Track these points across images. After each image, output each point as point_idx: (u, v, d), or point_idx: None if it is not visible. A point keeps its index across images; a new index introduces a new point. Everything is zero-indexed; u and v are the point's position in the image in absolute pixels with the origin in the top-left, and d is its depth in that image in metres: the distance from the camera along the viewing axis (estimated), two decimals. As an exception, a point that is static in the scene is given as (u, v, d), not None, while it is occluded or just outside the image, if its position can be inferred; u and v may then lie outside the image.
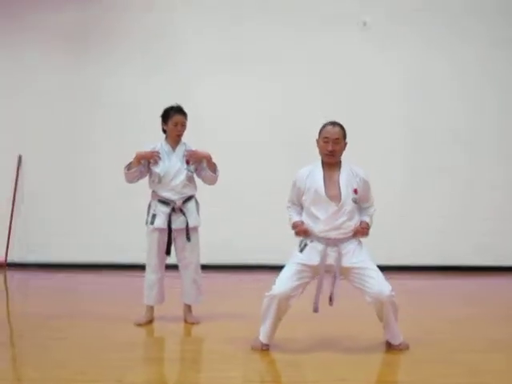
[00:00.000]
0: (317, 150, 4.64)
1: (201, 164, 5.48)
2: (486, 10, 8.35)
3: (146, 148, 5.44)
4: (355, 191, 4.52)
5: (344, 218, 4.47)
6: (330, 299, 4.52)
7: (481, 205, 8.30)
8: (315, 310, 4.55)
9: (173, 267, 5.60)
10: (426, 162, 8.34)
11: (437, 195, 8.32)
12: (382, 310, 4.42)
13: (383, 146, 8.24)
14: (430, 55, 8.39)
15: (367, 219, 4.64)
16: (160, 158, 5.37)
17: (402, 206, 8.26)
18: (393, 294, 4.40)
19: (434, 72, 8.39)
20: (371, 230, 4.65)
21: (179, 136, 5.47)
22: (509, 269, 8.22)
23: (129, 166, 5.37)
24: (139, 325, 5.37)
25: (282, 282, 4.46)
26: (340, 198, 4.47)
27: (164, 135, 5.52)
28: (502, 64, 8.37)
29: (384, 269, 4.58)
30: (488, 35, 8.32)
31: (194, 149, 5.45)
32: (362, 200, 4.60)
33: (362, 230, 4.56)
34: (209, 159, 5.45)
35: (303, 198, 4.56)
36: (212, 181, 5.55)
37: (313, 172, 4.57)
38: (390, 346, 4.63)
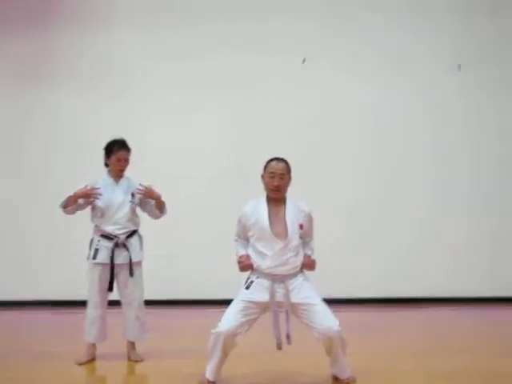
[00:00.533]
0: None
1: (147, 199, 5.42)
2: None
3: (87, 184, 5.32)
4: (301, 226, 4.54)
5: (290, 254, 4.47)
6: (288, 337, 4.47)
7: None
8: (279, 346, 4.50)
9: (115, 303, 5.48)
10: (368, 196, 8.42)
11: (383, 228, 8.41)
12: (331, 345, 4.41)
13: (338, 179, 8.28)
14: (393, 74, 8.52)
15: (309, 252, 4.66)
16: (101, 194, 5.26)
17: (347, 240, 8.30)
18: (340, 329, 4.39)
19: (399, 91, 8.50)
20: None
21: (122, 171, 5.41)
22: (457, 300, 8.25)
23: (65, 204, 5.25)
24: (80, 364, 5.21)
25: (228, 320, 4.41)
26: (286, 235, 4.47)
27: (106, 168, 5.45)
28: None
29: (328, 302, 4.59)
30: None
31: (146, 184, 5.33)
32: (305, 235, 4.62)
33: (310, 264, 4.58)
34: (159, 199, 5.39)
35: (249, 233, 4.55)
36: (157, 217, 5.50)
37: (257, 208, 4.56)
38: (337, 380, 4.62)
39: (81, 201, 5.29)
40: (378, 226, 8.37)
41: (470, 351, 5.55)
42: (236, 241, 4.71)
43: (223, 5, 8.47)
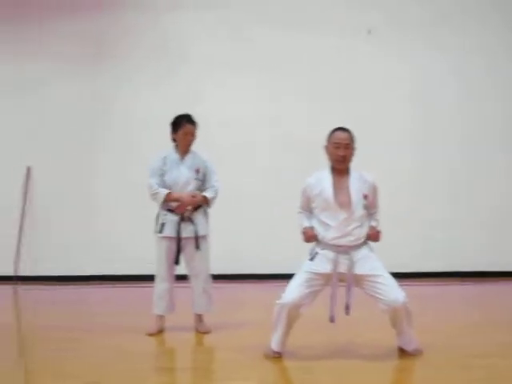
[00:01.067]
0: (322, 157, 4.64)
1: (208, 176, 5.50)
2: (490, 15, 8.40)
3: (157, 157, 5.45)
4: (365, 197, 4.50)
5: (354, 225, 4.45)
6: (347, 308, 4.48)
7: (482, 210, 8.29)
8: (331, 319, 4.51)
9: (183, 277, 5.61)
10: (432, 165, 8.35)
11: (439, 201, 8.30)
12: (397, 317, 4.39)
13: (386, 153, 8.19)
14: (433, 60, 8.42)
15: (375, 224, 4.62)
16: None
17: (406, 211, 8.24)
18: (407, 300, 4.37)
19: (436, 78, 8.42)
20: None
21: (189, 146, 5.47)
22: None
23: (162, 201, 5.38)
24: (150, 335, 5.35)
25: (292, 291, 4.43)
26: (350, 205, 4.44)
27: (173, 143, 5.51)
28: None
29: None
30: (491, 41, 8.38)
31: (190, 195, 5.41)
32: (369, 206, 4.57)
33: (376, 235, 4.55)
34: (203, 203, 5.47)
35: (313, 205, 4.55)
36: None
37: (321, 179, 4.54)
38: (403, 351, 4.60)
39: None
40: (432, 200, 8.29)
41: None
42: (300, 213, 4.70)
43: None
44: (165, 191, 5.35)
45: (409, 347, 4.56)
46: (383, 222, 4.70)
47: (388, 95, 8.38)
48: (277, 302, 4.48)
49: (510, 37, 8.41)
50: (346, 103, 8.19)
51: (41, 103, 8.59)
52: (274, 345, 4.55)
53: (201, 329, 5.46)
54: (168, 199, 5.37)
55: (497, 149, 8.36)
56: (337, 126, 4.62)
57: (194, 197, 5.38)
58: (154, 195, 5.39)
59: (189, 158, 5.47)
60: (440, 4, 8.43)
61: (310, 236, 4.53)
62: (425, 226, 8.26)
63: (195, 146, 5.53)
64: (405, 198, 8.20)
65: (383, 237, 4.62)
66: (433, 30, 8.42)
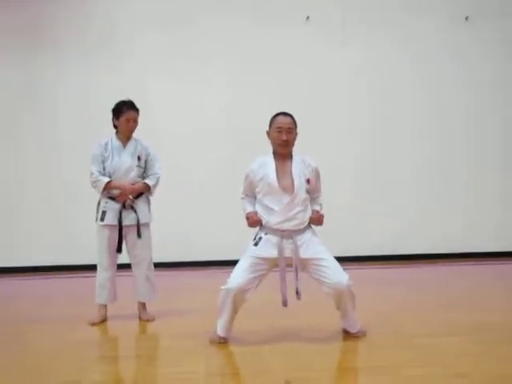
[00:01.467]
0: (266, 146, 4.65)
1: (150, 163, 5.45)
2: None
3: (98, 144, 5.37)
4: (308, 181, 4.53)
5: (298, 209, 4.47)
6: (297, 293, 4.49)
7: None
8: (284, 303, 4.52)
9: (124, 266, 5.54)
10: (383, 153, 8.52)
11: (388, 187, 8.50)
12: (341, 299, 4.44)
13: (332, 139, 8.30)
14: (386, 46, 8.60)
15: (318, 208, 4.66)
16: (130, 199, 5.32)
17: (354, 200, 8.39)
18: (351, 283, 4.42)
19: (396, 67, 8.62)
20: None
21: (131, 132, 5.40)
22: (460, 255, 8.44)
23: (101, 189, 5.30)
24: (93, 324, 5.28)
25: (237, 275, 4.43)
26: (293, 189, 4.47)
27: (114, 130, 5.44)
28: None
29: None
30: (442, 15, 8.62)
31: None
32: (312, 190, 4.61)
33: (319, 219, 4.58)
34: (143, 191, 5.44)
35: (256, 190, 4.55)
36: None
37: (264, 164, 4.55)
38: (347, 333, 4.67)
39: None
40: (385, 185, 8.44)
41: (465, 306, 5.63)
42: (243, 198, 4.70)
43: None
44: (105, 179, 5.27)
45: (353, 329, 4.63)
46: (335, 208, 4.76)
47: (338, 87, 8.52)
48: (222, 287, 4.48)
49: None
50: (295, 92, 8.27)
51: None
52: (220, 330, 4.55)
53: (144, 317, 5.42)
54: (109, 187, 5.29)
55: (461, 138, 8.65)
56: (279, 111, 4.64)
57: (133, 185, 5.32)
58: (95, 183, 5.31)
59: (131, 144, 5.41)
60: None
61: (254, 221, 4.54)
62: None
63: (140, 135, 5.47)
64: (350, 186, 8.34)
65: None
66: (395, 16, 8.59)
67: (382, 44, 8.56)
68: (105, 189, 5.29)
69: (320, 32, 8.46)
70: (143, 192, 5.43)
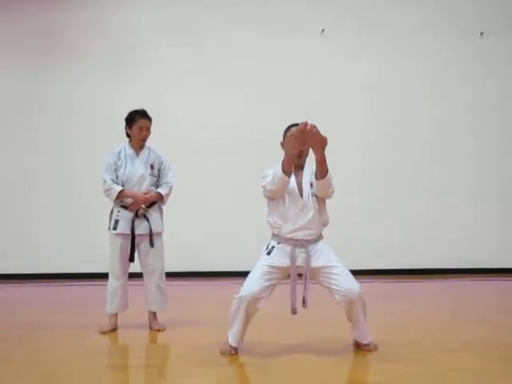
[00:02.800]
0: (281, 153, 4.64)
1: (163, 172, 5.46)
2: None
3: (111, 152, 5.40)
4: (311, 185, 4.51)
5: (310, 216, 4.44)
6: (304, 301, 4.47)
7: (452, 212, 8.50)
8: (293, 311, 4.50)
9: (135, 275, 5.54)
10: (393, 168, 8.49)
11: (402, 202, 8.46)
12: (352, 307, 4.40)
13: (345, 152, 8.26)
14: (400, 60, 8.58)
15: None
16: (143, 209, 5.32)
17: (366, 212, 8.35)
18: (362, 291, 4.40)
19: (405, 77, 8.59)
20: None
21: (144, 140, 5.42)
22: (478, 271, 8.35)
23: (115, 197, 5.30)
24: (103, 333, 5.26)
25: (251, 284, 4.42)
26: (303, 196, 4.47)
27: (128, 139, 5.46)
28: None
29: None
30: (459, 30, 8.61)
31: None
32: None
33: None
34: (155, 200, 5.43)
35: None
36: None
37: None
38: (358, 346, 4.63)
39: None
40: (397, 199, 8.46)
41: (484, 324, 5.54)
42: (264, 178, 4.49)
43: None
44: (118, 188, 5.28)
45: (364, 340, 4.58)
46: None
47: (350, 97, 8.51)
48: (235, 295, 4.46)
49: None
50: (306, 103, 8.20)
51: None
52: (231, 340, 4.52)
53: (155, 326, 5.40)
54: (121, 196, 5.29)
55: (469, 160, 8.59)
56: (292, 123, 4.63)
57: (146, 194, 5.32)
58: (108, 191, 5.32)
59: (144, 153, 5.42)
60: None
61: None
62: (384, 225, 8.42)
63: (154, 144, 5.49)
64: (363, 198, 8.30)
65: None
66: (409, 31, 8.59)
67: (396, 58, 8.54)
68: (117, 197, 5.30)
69: (335, 45, 8.46)
70: (156, 201, 5.43)
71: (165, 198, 5.45)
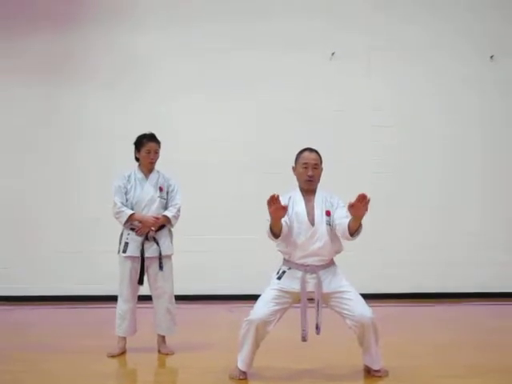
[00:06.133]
0: (292, 177, 4.65)
1: (171, 194, 5.46)
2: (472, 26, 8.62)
3: (120, 175, 5.42)
4: (327, 213, 4.50)
5: (320, 243, 4.44)
6: (317, 327, 4.45)
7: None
8: (304, 338, 4.47)
9: (144, 298, 5.52)
10: (402, 188, 8.47)
11: (407, 224, 8.41)
12: (364, 333, 4.38)
13: (356, 175, 8.24)
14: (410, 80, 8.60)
15: None
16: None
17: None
18: (374, 316, 4.37)
19: (421, 102, 8.57)
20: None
21: (152, 163, 5.44)
22: (485, 295, 8.26)
23: (125, 221, 5.31)
24: (112, 356, 5.24)
25: (260, 307, 4.41)
26: (314, 223, 4.46)
27: (137, 163, 5.48)
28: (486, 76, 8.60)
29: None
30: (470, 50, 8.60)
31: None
32: (340, 216, 4.46)
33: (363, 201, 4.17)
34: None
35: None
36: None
37: (293, 197, 4.56)
38: (369, 372, 4.58)
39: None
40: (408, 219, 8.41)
41: (492, 347, 5.51)
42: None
43: (247, 4, 8.52)
44: (129, 211, 5.29)
45: (376, 366, 4.54)
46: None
47: (359, 117, 8.49)
48: (245, 319, 4.44)
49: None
50: (317, 124, 8.25)
51: (5, 120, 8.47)
52: (241, 364, 4.49)
53: (163, 350, 5.37)
54: (132, 219, 5.30)
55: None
56: (304, 147, 4.65)
57: (157, 219, 5.33)
58: (118, 214, 5.32)
59: (153, 176, 5.44)
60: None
61: (277, 208, 4.20)
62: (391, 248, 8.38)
63: (161, 165, 5.51)
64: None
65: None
66: (420, 53, 8.60)
67: (406, 80, 8.54)
68: (127, 221, 5.31)
69: (345, 67, 8.46)
70: (165, 224, 5.43)
71: (172, 221, 5.44)
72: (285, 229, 4.37)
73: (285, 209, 4.22)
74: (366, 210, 4.17)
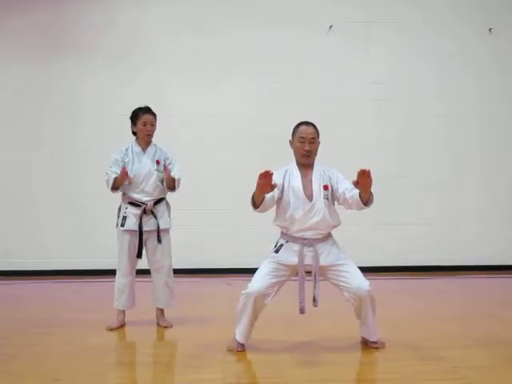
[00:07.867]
0: (285, 152, 4.63)
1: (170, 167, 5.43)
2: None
3: (118, 149, 5.40)
4: (325, 187, 4.49)
5: (318, 218, 4.43)
6: (314, 300, 4.46)
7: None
8: (302, 311, 4.49)
9: (143, 272, 5.54)
10: (403, 163, 8.50)
11: (408, 198, 8.44)
12: (361, 305, 4.40)
13: (356, 150, 8.23)
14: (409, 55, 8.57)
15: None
16: (126, 174, 5.24)
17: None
18: (371, 288, 4.39)
19: (419, 77, 8.55)
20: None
21: (149, 136, 5.40)
22: (486, 268, 8.33)
23: (114, 186, 5.28)
24: (111, 329, 5.27)
25: (258, 280, 4.43)
26: (312, 197, 4.45)
27: (134, 137, 5.46)
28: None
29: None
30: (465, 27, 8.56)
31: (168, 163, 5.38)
32: (348, 189, 4.43)
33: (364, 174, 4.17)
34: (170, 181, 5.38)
35: (279, 197, 4.48)
36: (169, 191, 5.49)
37: (290, 172, 4.55)
38: (366, 344, 4.63)
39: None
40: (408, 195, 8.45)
41: (494, 319, 5.55)
42: None
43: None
44: (113, 175, 5.25)
45: (373, 337, 4.58)
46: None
47: (359, 94, 8.46)
48: (242, 291, 4.46)
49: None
50: (315, 99, 8.22)
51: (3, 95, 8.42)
52: (239, 336, 4.53)
53: (162, 323, 5.40)
54: (119, 181, 5.25)
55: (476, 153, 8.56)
56: (301, 121, 4.63)
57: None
58: (107, 181, 5.30)
59: (150, 149, 5.42)
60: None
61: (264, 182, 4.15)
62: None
63: (160, 142, 5.49)
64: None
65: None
66: (418, 28, 8.55)
67: (405, 55, 8.50)
68: (115, 181, 5.24)
69: (343, 41, 8.42)
70: (163, 198, 5.43)
71: (176, 184, 5.38)
72: (268, 203, 4.35)
73: (272, 187, 4.19)
74: (371, 180, 4.17)
